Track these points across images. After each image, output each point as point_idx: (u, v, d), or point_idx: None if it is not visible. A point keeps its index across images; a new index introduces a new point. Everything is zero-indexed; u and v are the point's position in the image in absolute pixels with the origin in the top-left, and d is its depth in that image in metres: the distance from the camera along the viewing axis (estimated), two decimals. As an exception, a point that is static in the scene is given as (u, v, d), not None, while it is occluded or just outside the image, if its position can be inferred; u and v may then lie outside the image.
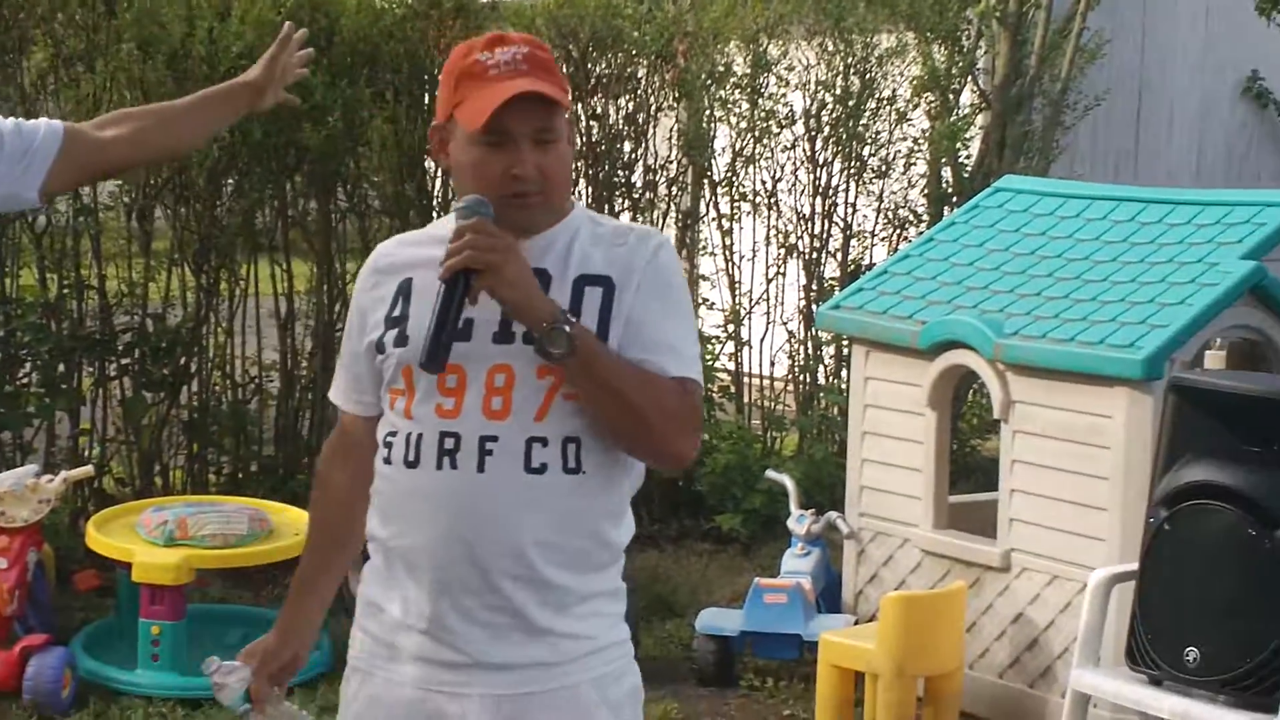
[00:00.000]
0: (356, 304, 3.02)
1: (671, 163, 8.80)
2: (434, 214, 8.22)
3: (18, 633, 6.05)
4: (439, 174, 8.33)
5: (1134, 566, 5.10)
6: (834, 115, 8.84)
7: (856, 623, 6.27)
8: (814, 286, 8.90)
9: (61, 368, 7.34)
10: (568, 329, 2.74)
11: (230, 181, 7.63)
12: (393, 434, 2.90)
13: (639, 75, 8.60)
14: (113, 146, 3.92)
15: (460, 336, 2.81)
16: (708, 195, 8.89)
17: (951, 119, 8.83)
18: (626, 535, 2.99)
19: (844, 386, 8.47)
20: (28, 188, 3.78)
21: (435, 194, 8.34)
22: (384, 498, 2.92)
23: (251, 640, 5.96)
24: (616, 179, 8.55)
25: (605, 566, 2.94)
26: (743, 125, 8.79)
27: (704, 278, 8.96)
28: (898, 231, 9.03)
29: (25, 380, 7.31)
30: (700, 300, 8.88)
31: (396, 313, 2.92)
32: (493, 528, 2.81)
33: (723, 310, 8.87)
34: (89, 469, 6.81)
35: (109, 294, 7.47)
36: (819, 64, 8.84)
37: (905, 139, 8.97)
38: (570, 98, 2.76)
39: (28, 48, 7.27)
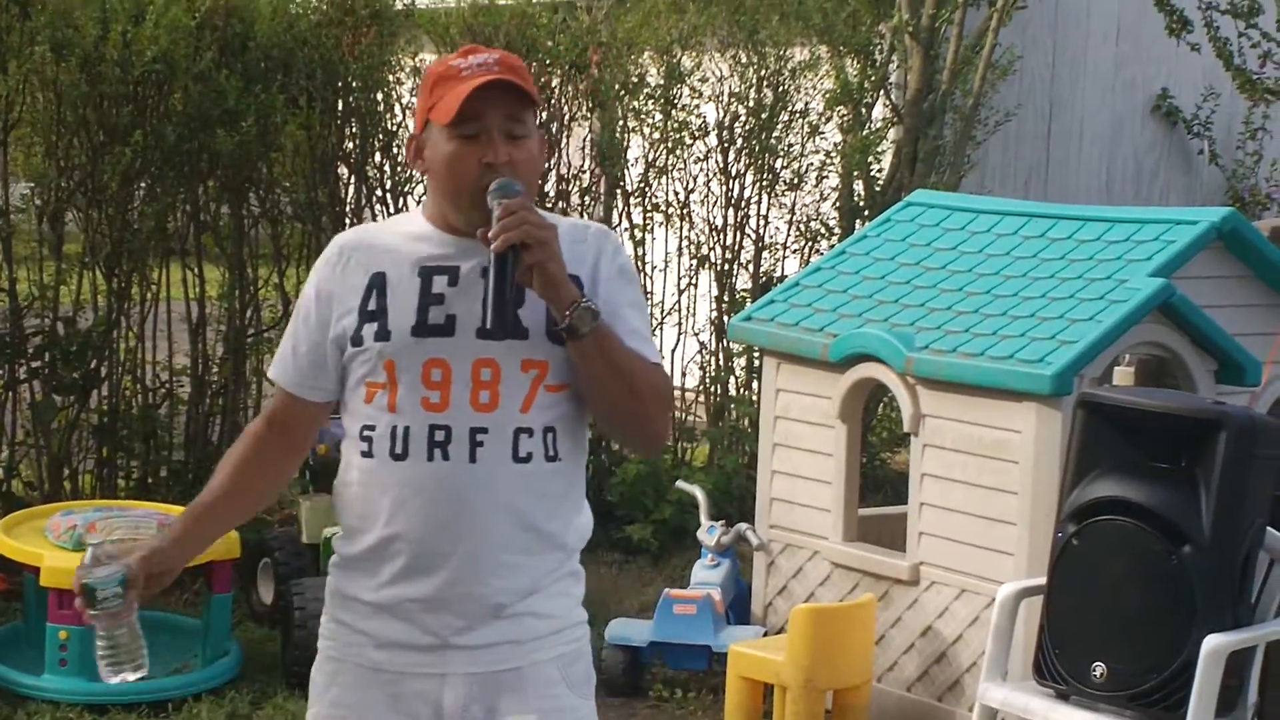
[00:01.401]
0: (319, 290, 3.06)
1: (585, 173, 8.83)
2: (346, 219, 8.22)
3: (-77, 638, 6.00)
4: (351, 180, 8.32)
5: (1042, 581, 5.16)
6: (747, 127, 8.90)
7: (766, 634, 6.31)
8: (725, 298, 8.95)
9: (-30, 370, 7.28)
10: (594, 306, 2.86)
11: (142, 185, 7.57)
12: (370, 427, 2.97)
13: (553, 85, 8.62)
14: None
15: (443, 332, 2.94)
16: (620, 206, 8.93)
17: (864, 133, 8.90)
18: (588, 517, 3.12)
19: (755, 398, 8.52)
20: None
21: (348, 200, 8.33)
22: (361, 489, 3.00)
23: (161, 645, 5.94)
24: (530, 188, 8.54)
25: (573, 550, 3.07)
26: (656, 136, 8.83)
27: (616, 287, 8.96)
28: (809, 244, 9.09)
29: (-67, 383, 7.24)
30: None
31: (372, 306, 2.99)
32: (484, 515, 2.93)
33: (647, 309, 8.87)
34: (-2, 473, 6.76)
35: (19, 296, 7.40)
36: (732, 76, 8.89)
37: (818, 152, 9.04)
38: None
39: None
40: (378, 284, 2.99)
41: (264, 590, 6.86)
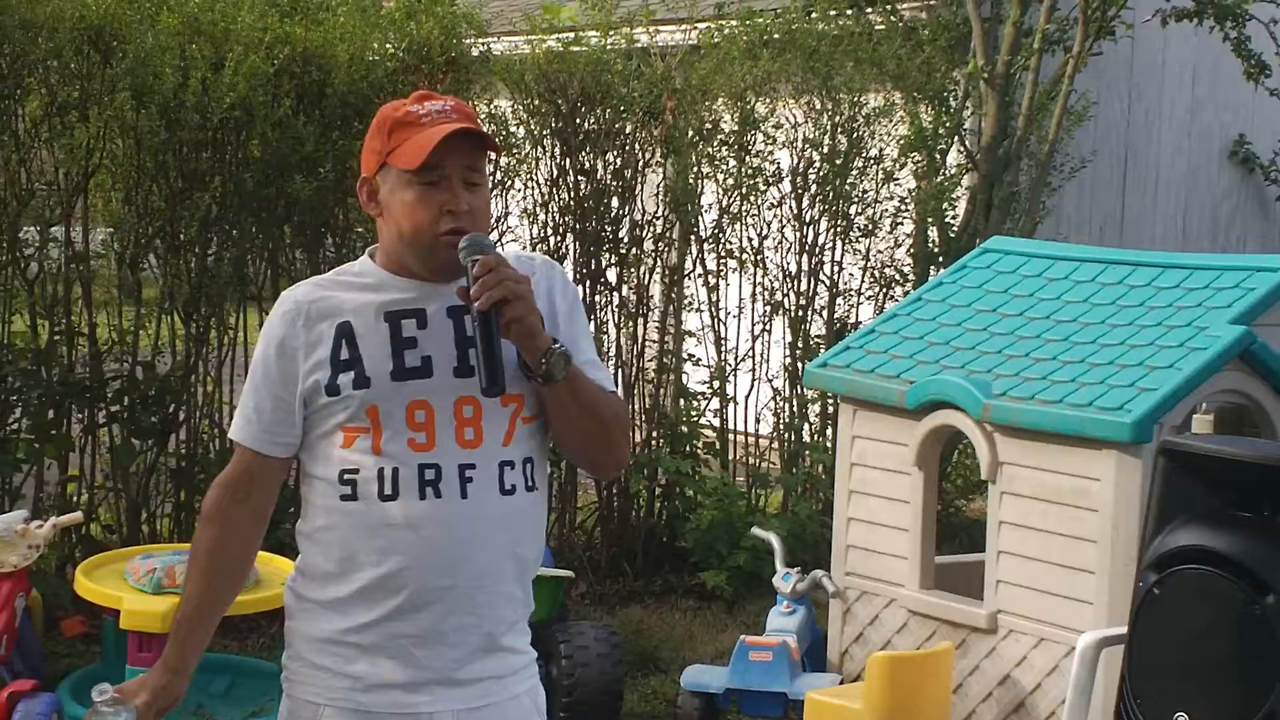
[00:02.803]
0: (280, 345, 3.07)
1: (658, 218, 8.85)
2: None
3: (5, 678, 6.03)
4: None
5: (1122, 630, 5.11)
6: (821, 173, 8.90)
7: (842, 682, 6.28)
8: (799, 344, 8.94)
9: (51, 414, 7.34)
10: (567, 351, 2.96)
11: (220, 231, 7.64)
12: (352, 470, 3.00)
13: (627, 131, 8.65)
14: None
15: (422, 374, 3.00)
16: (694, 251, 8.93)
17: (938, 179, 8.89)
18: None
19: (829, 444, 8.50)
20: None
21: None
22: (346, 532, 3.03)
23: (238, 687, 5.97)
24: (603, 234, 8.59)
25: (533, 575, 3.15)
26: (730, 182, 8.84)
27: (690, 334, 8.99)
28: (884, 290, 9.08)
29: (15, 426, 7.31)
30: (686, 355, 8.92)
31: (345, 355, 3.02)
32: (476, 548, 2.99)
33: (708, 366, 8.90)
34: (78, 515, 6.80)
35: (99, 341, 7.48)
36: (806, 122, 8.90)
37: (892, 198, 9.03)
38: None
39: (22, 95, 7.28)
40: (345, 333, 3.03)
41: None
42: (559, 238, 8.53)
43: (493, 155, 3.06)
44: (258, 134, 7.43)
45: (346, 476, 3.00)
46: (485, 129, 3.10)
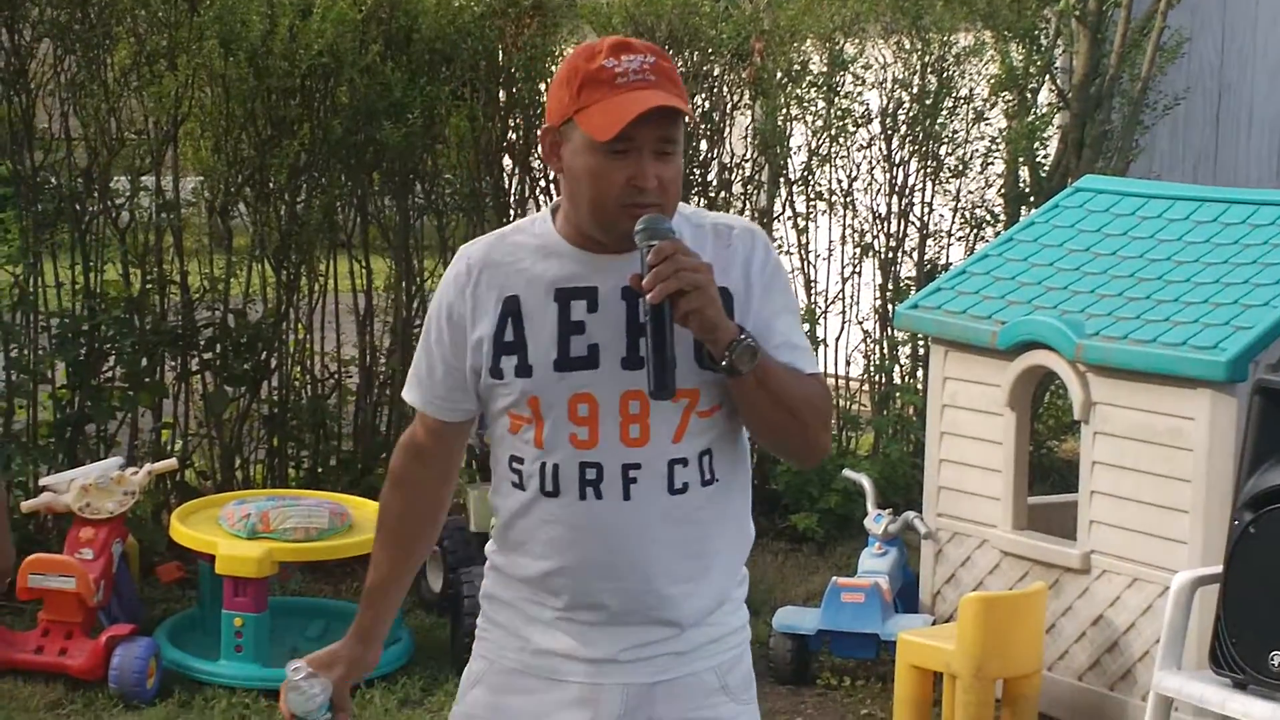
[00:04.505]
0: (450, 309, 2.90)
1: (747, 161, 8.80)
2: (510, 211, 8.26)
3: (103, 623, 6.13)
4: (515, 171, 8.36)
5: (1217, 569, 5.07)
6: (910, 114, 8.81)
7: (934, 623, 6.26)
8: (889, 286, 8.88)
9: (145, 362, 7.42)
10: (752, 343, 2.73)
11: (309, 178, 7.67)
12: (519, 460, 2.87)
13: (715, 73, 8.61)
14: None
15: (587, 364, 2.80)
16: (783, 194, 8.88)
17: (1029, 118, 8.78)
18: (751, 526, 3.02)
19: (920, 386, 8.46)
20: None
21: (511, 191, 8.37)
22: (517, 518, 2.91)
23: (332, 632, 6.04)
24: (692, 177, 8.55)
25: (738, 559, 2.97)
26: (819, 124, 8.77)
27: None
28: (974, 231, 8.99)
29: (110, 374, 7.39)
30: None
31: (510, 337, 2.85)
32: (643, 551, 2.83)
33: (798, 309, 8.84)
34: (172, 462, 6.89)
35: (191, 289, 7.54)
36: (896, 62, 8.81)
37: (982, 138, 8.93)
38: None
39: (112, 45, 7.32)
40: (512, 310, 2.85)
41: (433, 578, 6.92)
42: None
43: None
44: (345, 80, 7.45)
45: (515, 465, 2.88)
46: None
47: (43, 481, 6.48)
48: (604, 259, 2.82)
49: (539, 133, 2.97)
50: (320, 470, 7.82)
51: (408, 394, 3.02)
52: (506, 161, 8.39)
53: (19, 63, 7.14)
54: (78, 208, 7.32)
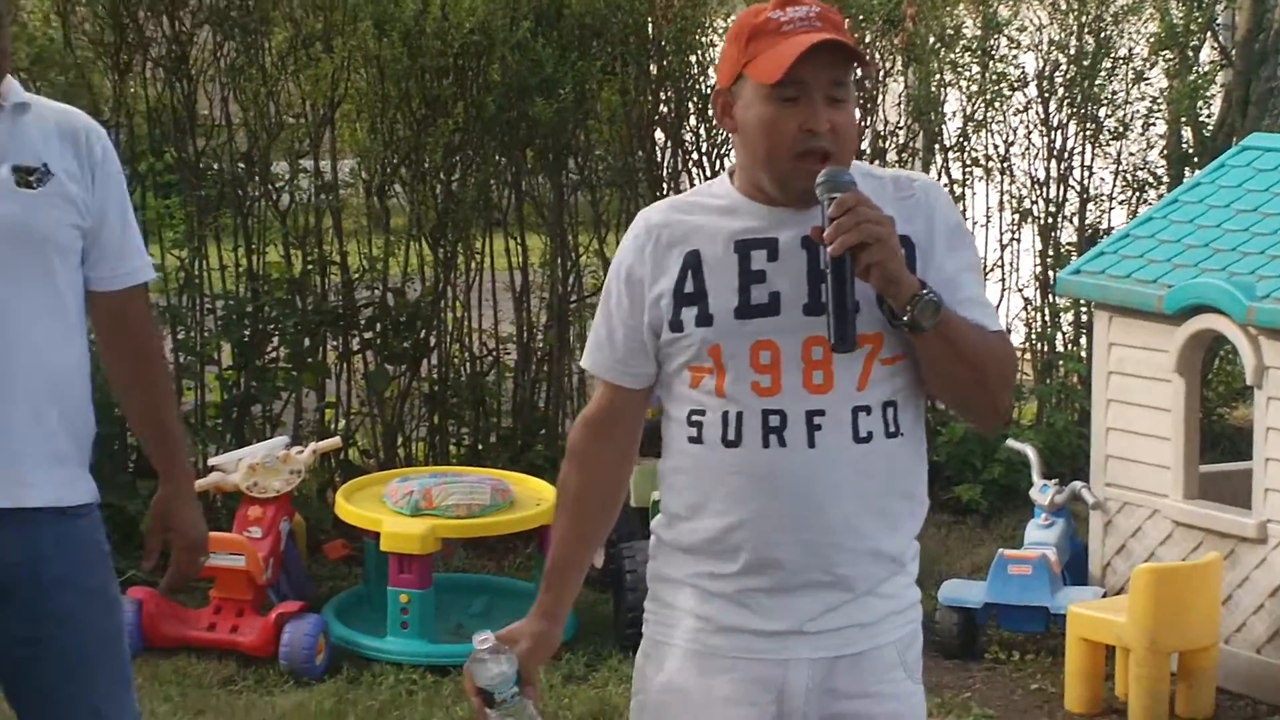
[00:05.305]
0: (628, 272, 2.90)
1: (901, 129, 8.70)
2: (663, 185, 8.23)
3: (272, 600, 6.21)
4: (668, 144, 8.33)
5: (1401, 537, 4.94)
6: (1068, 76, 8.66)
7: (1105, 595, 6.15)
8: (1050, 252, 8.74)
9: (307, 342, 7.50)
10: (936, 298, 2.69)
11: (464, 156, 7.70)
12: (699, 412, 2.85)
13: (867, 40, 8.51)
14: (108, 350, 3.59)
15: (769, 311, 2.79)
16: (938, 161, 8.77)
17: (1191, 77, 8.60)
18: (926, 492, 2.97)
19: (1083, 354, 8.32)
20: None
21: (664, 165, 8.34)
22: (692, 476, 2.88)
23: (496, 608, 6.07)
24: (846, 146, 8.46)
25: (916, 525, 2.94)
26: (973, 89, 8.64)
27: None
28: (1136, 194, 8.82)
29: (273, 355, 7.48)
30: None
31: (690, 288, 2.83)
32: (827, 501, 2.79)
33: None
34: (336, 441, 6.95)
35: (351, 269, 7.61)
36: (1051, 24, 8.66)
37: (1143, 99, 8.75)
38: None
39: (269, 29, 7.39)
40: (692, 263, 2.84)
41: (596, 555, 6.91)
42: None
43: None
44: (497, 58, 7.46)
45: (694, 418, 2.84)
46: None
47: (211, 461, 6.58)
48: (783, 212, 2.81)
49: (711, 96, 2.93)
50: (480, 447, 7.86)
51: (586, 360, 3.02)
52: (659, 135, 8.36)
53: (180, 50, 7.24)
54: (239, 192, 7.42)
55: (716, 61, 8.24)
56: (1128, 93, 8.73)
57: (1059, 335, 8.80)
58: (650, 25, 8.07)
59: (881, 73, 8.56)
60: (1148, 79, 8.74)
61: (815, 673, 2.85)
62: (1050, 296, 8.69)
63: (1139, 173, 8.81)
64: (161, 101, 7.32)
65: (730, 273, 2.81)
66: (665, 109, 8.30)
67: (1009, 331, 8.74)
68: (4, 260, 3.26)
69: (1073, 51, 8.61)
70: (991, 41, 8.60)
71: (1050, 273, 8.60)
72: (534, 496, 6.45)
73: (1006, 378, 2.86)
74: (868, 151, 8.54)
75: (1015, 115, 8.73)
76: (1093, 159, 8.81)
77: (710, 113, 8.19)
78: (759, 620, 2.85)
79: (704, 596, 2.88)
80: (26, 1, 7.23)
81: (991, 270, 8.78)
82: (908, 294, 2.68)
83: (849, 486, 2.79)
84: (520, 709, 2.88)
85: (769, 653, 2.85)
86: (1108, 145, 8.79)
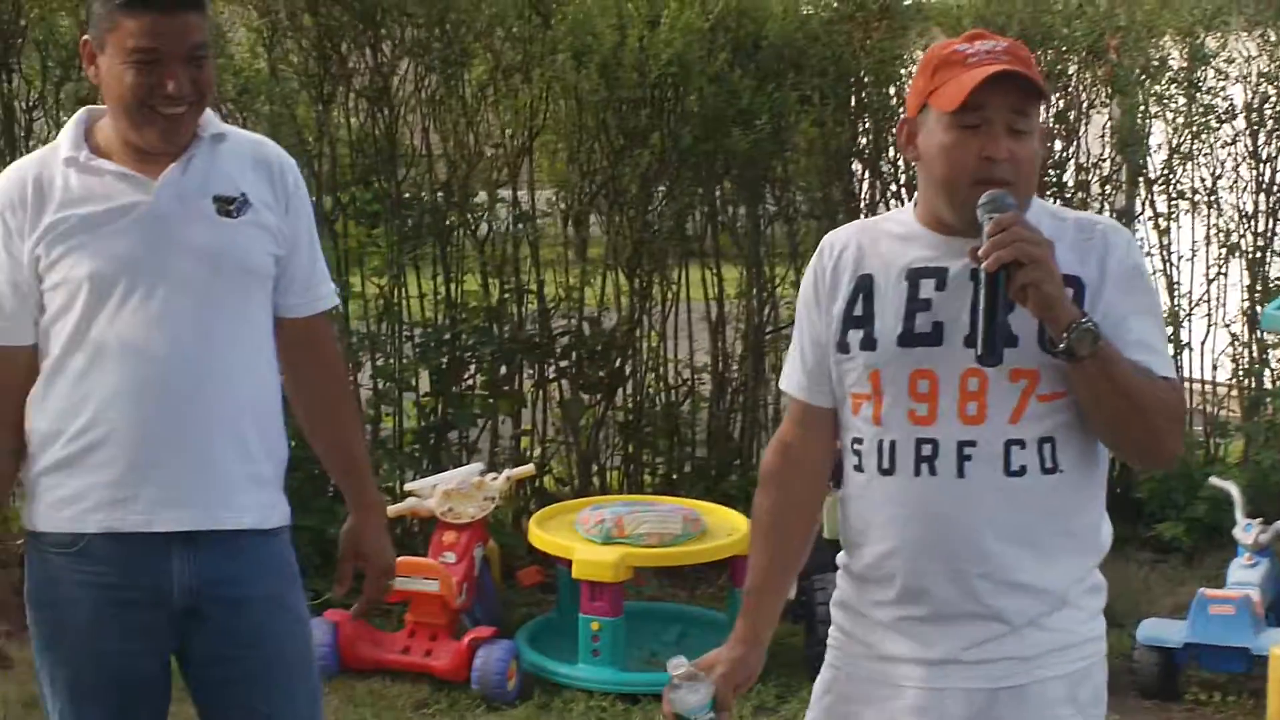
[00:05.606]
0: (812, 291, 2.99)
1: (1105, 161, 8.56)
2: (861, 216, 8.17)
3: (466, 625, 6.27)
4: (866, 175, 8.29)
5: None
6: (1277, 109, 8.46)
7: (1312, 637, 5.98)
8: (1258, 287, 8.53)
9: (503, 370, 7.57)
10: (1094, 328, 2.68)
11: (661, 187, 7.73)
12: (859, 440, 2.90)
13: (1069, 72, 8.40)
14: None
15: (931, 340, 2.81)
16: (1143, 194, 8.61)
17: (1406, 108, 8.36)
18: (1108, 528, 2.96)
19: (1292, 391, 8.12)
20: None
21: (862, 196, 8.29)
22: (856, 504, 2.93)
23: (689, 637, 6.06)
24: (1047, 178, 8.35)
25: (1083, 562, 2.91)
26: (1179, 121, 8.48)
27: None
28: (1350, 229, 8.58)
29: (470, 382, 7.56)
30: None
31: (858, 311, 2.89)
32: (973, 531, 2.81)
33: (1161, 314, 8.56)
34: (530, 468, 7.00)
35: (547, 298, 7.66)
36: (1260, 55, 8.47)
37: (1356, 132, 8.53)
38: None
39: (469, 61, 7.50)
40: (864, 287, 2.91)
41: (790, 582, 6.87)
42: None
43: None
44: (694, 89, 7.48)
45: (855, 446, 2.92)
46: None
47: (407, 487, 6.66)
48: (957, 241, 2.82)
49: (897, 126, 2.97)
50: (675, 477, 7.87)
51: (783, 381, 3.10)
52: (856, 167, 8.32)
53: (382, 80, 7.36)
54: (439, 221, 7.51)
55: (910, 93, 8.20)
56: (1340, 124, 8.51)
57: (1267, 372, 8.58)
58: (848, 57, 8.04)
59: (1085, 104, 8.44)
60: (1361, 111, 8.51)
61: (974, 705, 2.85)
62: (1258, 332, 8.49)
63: (1352, 207, 8.57)
64: (364, 131, 7.44)
65: (898, 300, 2.86)
66: (863, 141, 8.25)
67: (1215, 367, 8.57)
68: (208, 288, 3.32)
69: (1283, 83, 8.42)
70: (1198, 73, 8.44)
71: (1258, 308, 8.40)
72: (726, 527, 6.44)
73: (1171, 420, 2.84)
74: (1070, 184, 8.42)
75: (1223, 148, 8.54)
76: (1303, 192, 8.60)
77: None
78: (918, 648, 2.87)
79: (870, 624, 2.94)
80: (235, 34, 7.39)
81: (1197, 305, 8.60)
82: (1065, 320, 2.68)
83: (996, 519, 2.81)
84: None
85: (924, 681, 2.87)
86: (1318, 179, 8.57)
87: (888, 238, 2.94)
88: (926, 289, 2.84)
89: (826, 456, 3.06)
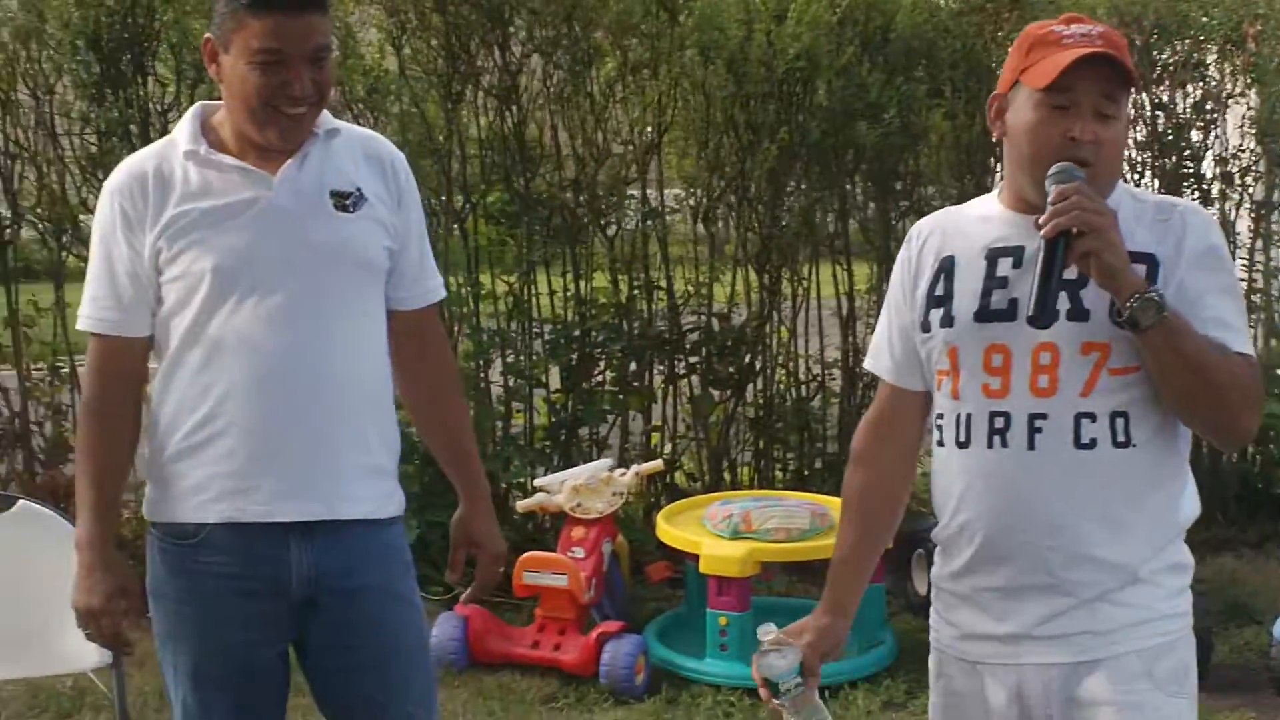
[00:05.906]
0: (901, 276, 3.07)
1: (1244, 151, 8.42)
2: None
3: (594, 619, 6.29)
4: (997, 168, 8.20)
5: None
6: None
7: None
8: (1398, 277, 8.36)
9: (633, 366, 7.59)
10: (1158, 298, 2.70)
11: (790, 183, 7.71)
12: (941, 415, 2.97)
13: (1207, 61, 8.27)
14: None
15: (1006, 316, 2.86)
16: (1282, 184, 8.46)
17: None
18: (1190, 506, 2.96)
19: None
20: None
21: (994, 190, 8.20)
22: (940, 478, 3.01)
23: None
24: (1185, 169, 8.23)
25: (1157, 538, 2.91)
26: (1321, 110, 8.33)
27: (1280, 270, 8.53)
28: None
29: (600, 378, 7.59)
30: (1276, 295, 8.47)
31: (939, 290, 2.96)
32: (1040, 503, 2.85)
33: (1240, 293, 8.37)
34: (659, 464, 7.02)
35: (676, 295, 7.67)
36: None
37: None
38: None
39: (598, 58, 7.52)
40: (946, 268, 2.97)
41: (919, 581, 6.84)
42: (1137, 174, 8.23)
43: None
44: (822, 83, 7.45)
45: (938, 421, 2.99)
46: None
47: (536, 482, 6.70)
48: (1036, 220, 2.83)
49: (987, 102, 3.00)
50: (806, 472, 7.85)
51: (869, 363, 3.16)
52: (990, 160, 8.24)
53: (510, 79, 7.40)
54: (568, 218, 7.54)
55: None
56: None
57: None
58: (979, 48, 7.97)
59: (1223, 94, 8.30)
60: None
61: (1051, 680, 2.90)
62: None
63: None
64: (493, 130, 7.49)
65: (976, 278, 2.91)
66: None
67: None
68: (326, 283, 3.36)
69: None
70: (1343, 60, 8.28)
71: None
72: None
73: (1246, 396, 2.82)
74: (1208, 175, 8.29)
75: (1367, 135, 8.38)
76: None
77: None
78: (993, 623, 2.93)
79: (954, 600, 3.01)
80: (365, 34, 7.47)
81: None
82: (1128, 290, 2.71)
83: (1066, 491, 2.84)
84: (802, 698, 3.02)
85: (1002, 658, 2.93)
86: None
87: (971, 220, 3.00)
88: (1004, 267, 2.89)
89: (915, 438, 3.13)
